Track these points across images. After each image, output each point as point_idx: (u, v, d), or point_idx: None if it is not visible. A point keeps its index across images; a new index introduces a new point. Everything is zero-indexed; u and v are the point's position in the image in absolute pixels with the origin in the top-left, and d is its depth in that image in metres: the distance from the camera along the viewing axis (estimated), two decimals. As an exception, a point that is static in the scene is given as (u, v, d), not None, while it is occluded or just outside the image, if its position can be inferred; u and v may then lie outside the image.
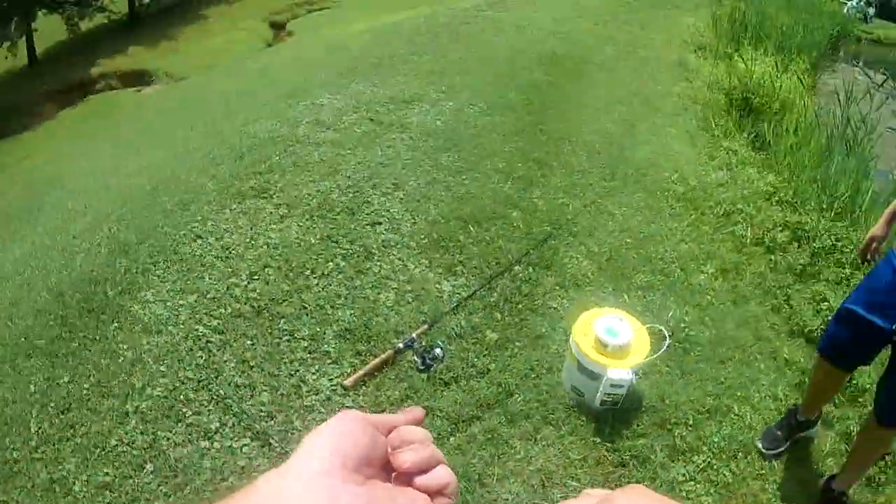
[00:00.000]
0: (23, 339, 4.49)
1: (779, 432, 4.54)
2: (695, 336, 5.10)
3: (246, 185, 5.98)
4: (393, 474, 0.75)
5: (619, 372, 4.05)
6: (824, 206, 7.38)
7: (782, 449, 4.48)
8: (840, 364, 4.08)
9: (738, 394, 4.78)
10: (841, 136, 9.97)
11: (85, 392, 4.04)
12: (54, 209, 7.26)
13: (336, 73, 9.32)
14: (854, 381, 4.94)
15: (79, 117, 21.77)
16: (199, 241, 5.22)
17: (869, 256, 4.12)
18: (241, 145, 6.77)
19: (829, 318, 4.73)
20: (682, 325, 5.25)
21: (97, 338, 4.38)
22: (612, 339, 4.08)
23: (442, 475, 0.76)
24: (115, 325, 4.45)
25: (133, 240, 5.27)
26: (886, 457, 4.55)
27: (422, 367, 4.30)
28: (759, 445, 4.52)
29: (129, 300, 4.63)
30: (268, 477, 0.67)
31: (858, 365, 4.14)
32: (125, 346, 4.26)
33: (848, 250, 6.46)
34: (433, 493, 0.75)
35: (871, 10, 47.39)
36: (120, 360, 4.17)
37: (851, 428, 4.64)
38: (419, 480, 0.75)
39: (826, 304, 5.75)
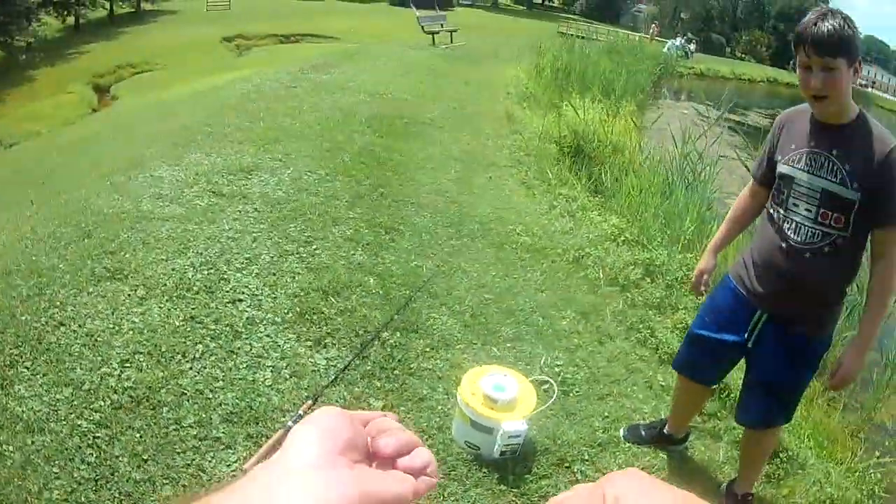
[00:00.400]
0: None
1: (643, 433, 4.97)
2: (571, 378, 5.31)
3: (98, 265, 5.83)
4: (374, 462, 0.78)
5: (514, 424, 4.20)
6: (671, 241, 7.73)
7: (640, 444, 4.89)
8: (699, 379, 4.53)
9: (625, 424, 5.04)
10: (680, 172, 10.37)
11: (-22, 501, 3.85)
12: None
13: (171, 144, 9.22)
14: (731, 395, 5.35)
15: None
16: (63, 329, 5.04)
17: (703, 289, 4.46)
18: (87, 222, 6.60)
19: None
20: (556, 369, 5.46)
21: (-22, 439, 4.17)
22: (501, 395, 4.22)
23: (423, 455, 0.80)
24: (-6, 424, 4.26)
25: (-7, 329, 5.04)
26: (781, 454, 5.00)
27: (315, 443, 4.25)
28: (621, 433, 4.97)
29: (4, 396, 4.40)
30: (254, 475, 0.69)
31: (718, 380, 4.64)
32: (11, 448, 4.03)
33: (700, 279, 6.82)
34: (416, 473, 0.78)
35: (692, 47, 49.84)
36: (9, 464, 3.94)
37: (739, 435, 4.91)
38: (402, 462, 0.79)
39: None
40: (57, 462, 3.98)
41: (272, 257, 6.32)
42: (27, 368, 4.66)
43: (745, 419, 4.28)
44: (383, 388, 4.89)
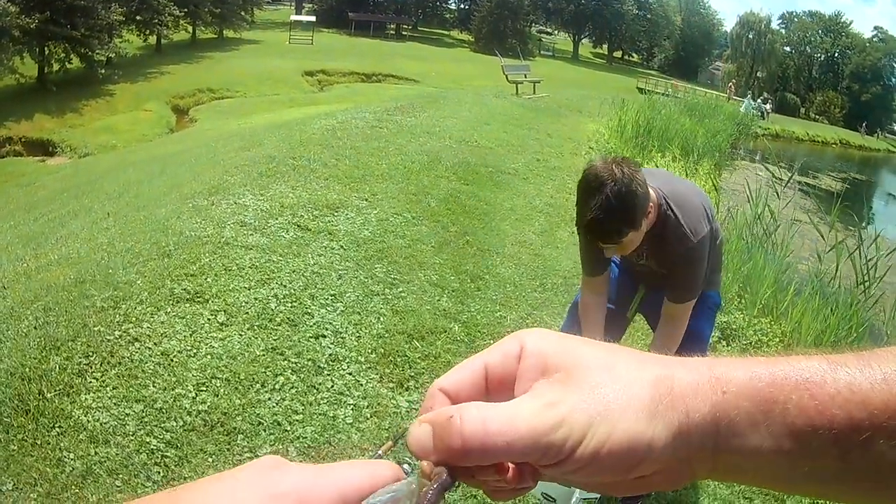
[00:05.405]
0: (-48, 433, 4.06)
1: None
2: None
3: (178, 286, 5.77)
4: None
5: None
6: (748, 305, 7.70)
7: None
8: None
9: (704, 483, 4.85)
10: (756, 235, 10.33)
11: (34, 503, 3.73)
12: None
13: (257, 173, 9.16)
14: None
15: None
16: (137, 345, 4.96)
17: None
18: (167, 243, 6.55)
19: None
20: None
21: (38, 443, 4.04)
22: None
23: None
24: (57, 430, 4.14)
25: (64, 335, 4.94)
26: None
27: (393, 484, 4.15)
28: None
29: (70, 404, 4.33)
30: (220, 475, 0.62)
31: None
32: (72, 456, 3.96)
33: (773, 344, 7.04)
34: None
35: (768, 107, 49.27)
36: (69, 470, 3.87)
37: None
38: None
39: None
40: (120, 475, 3.91)
41: (357, 296, 6.23)
42: (96, 379, 4.59)
43: None
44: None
